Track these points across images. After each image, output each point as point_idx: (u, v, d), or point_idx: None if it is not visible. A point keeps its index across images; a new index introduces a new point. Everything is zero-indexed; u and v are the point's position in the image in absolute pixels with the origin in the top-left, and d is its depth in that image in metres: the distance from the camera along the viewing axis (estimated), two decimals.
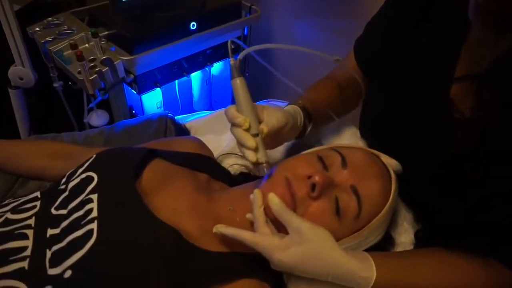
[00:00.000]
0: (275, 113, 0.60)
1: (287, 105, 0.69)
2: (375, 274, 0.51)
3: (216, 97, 1.43)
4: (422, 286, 0.55)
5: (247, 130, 0.56)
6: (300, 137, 0.68)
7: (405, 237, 0.70)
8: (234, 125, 0.57)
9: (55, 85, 1.12)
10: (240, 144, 0.57)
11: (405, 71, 0.67)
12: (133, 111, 1.21)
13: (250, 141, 0.56)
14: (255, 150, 0.56)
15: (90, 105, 1.09)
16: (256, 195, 0.55)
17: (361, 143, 0.87)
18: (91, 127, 1.22)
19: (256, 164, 0.56)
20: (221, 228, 0.54)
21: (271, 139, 0.61)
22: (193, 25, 1.09)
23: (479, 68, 0.56)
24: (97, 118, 1.19)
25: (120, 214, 0.52)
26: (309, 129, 0.68)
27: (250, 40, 1.37)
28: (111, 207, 0.53)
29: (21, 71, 1.12)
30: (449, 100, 0.59)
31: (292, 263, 0.51)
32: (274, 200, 0.53)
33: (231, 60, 0.58)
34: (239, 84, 0.57)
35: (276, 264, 0.52)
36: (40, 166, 0.75)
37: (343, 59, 0.81)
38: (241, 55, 0.58)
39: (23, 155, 0.76)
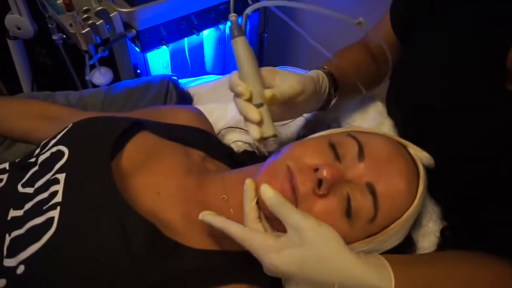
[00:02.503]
0: (289, 77, 0.50)
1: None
2: (393, 286, 0.42)
3: (231, 60, 1.30)
4: None
5: (250, 100, 0.46)
6: (323, 109, 0.58)
7: (428, 241, 0.60)
8: (235, 94, 0.48)
9: (54, 37, 1.02)
10: (243, 116, 0.48)
11: (449, 31, 0.54)
12: (138, 71, 1.12)
13: (253, 113, 0.45)
14: (260, 123, 0.46)
15: (90, 62, 1.00)
16: (248, 186, 0.45)
17: (387, 123, 0.75)
18: (94, 86, 1.14)
19: (262, 139, 0.47)
20: (207, 217, 0.45)
21: (286, 108, 0.51)
22: None
23: None
24: (100, 77, 1.10)
25: (87, 201, 0.44)
26: (334, 100, 0.57)
27: None
28: (78, 192, 0.45)
29: (18, 20, 1.03)
30: (504, 67, 0.47)
31: (288, 269, 0.41)
32: (267, 193, 0.43)
33: (232, 16, 0.47)
34: (240, 44, 0.47)
35: (268, 268, 0.43)
36: (25, 127, 0.69)
37: (379, 22, 0.68)
38: (248, 10, 0.47)
39: (7, 114, 0.70)
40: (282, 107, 0.51)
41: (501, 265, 0.46)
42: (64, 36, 0.91)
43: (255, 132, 0.46)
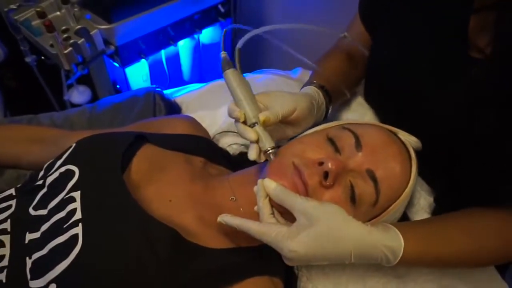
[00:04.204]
0: (281, 98, 0.53)
1: (304, 85, 0.63)
2: (403, 243, 0.46)
3: (207, 67, 1.32)
4: (456, 255, 0.50)
5: (245, 122, 0.51)
6: (323, 119, 0.63)
7: (420, 216, 0.65)
8: (235, 120, 0.52)
9: (27, 59, 1.00)
10: (243, 138, 0.52)
11: (416, 10, 0.60)
12: (117, 86, 1.11)
13: (249, 133, 0.49)
14: (258, 140, 0.50)
15: (69, 82, 0.99)
16: (259, 186, 0.48)
17: (369, 114, 0.80)
18: (72, 105, 1.12)
19: (263, 153, 0.50)
20: (226, 218, 0.48)
21: (287, 126, 0.55)
22: None
23: None
24: (78, 95, 1.09)
25: (108, 215, 0.46)
26: (330, 109, 0.62)
27: (239, 3, 1.25)
28: (96, 207, 0.46)
29: None
30: (466, 37, 0.53)
31: (307, 250, 0.44)
32: (271, 184, 0.47)
33: (222, 54, 0.53)
34: (230, 76, 0.52)
35: (289, 256, 0.44)
36: (15, 152, 0.68)
37: (349, 23, 0.74)
38: (240, 43, 0.53)
39: None
40: (283, 126, 0.55)
41: (494, 210, 0.52)
42: (43, 57, 0.90)
43: (253, 154, 0.50)
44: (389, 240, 0.46)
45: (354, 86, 0.75)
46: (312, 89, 0.60)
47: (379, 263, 0.47)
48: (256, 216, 0.50)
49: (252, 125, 0.50)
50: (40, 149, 0.66)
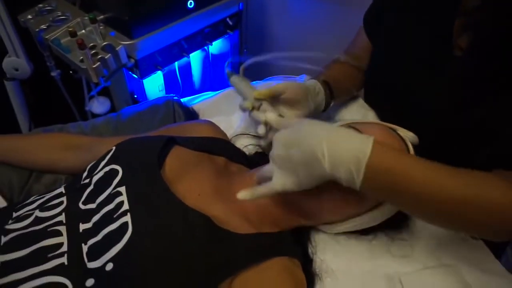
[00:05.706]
0: (274, 83, 0.68)
1: (305, 79, 0.75)
2: (372, 137, 0.45)
3: (216, 76, 1.41)
4: (431, 184, 0.46)
5: (253, 109, 0.67)
6: (325, 111, 0.76)
7: None
8: (248, 113, 0.68)
9: (53, 74, 1.09)
10: (256, 120, 0.66)
11: (408, 18, 0.69)
12: (135, 96, 1.19)
13: (259, 115, 0.65)
14: (266, 123, 0.65)
15: (92, 93, 1.07)
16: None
17: (371, 114, 0.88)
18: (93, 115, 1.20)
19: (267, 125, 0.65)
20: (243, 194, 0.54)
21: (286, 106, 0.68)
22: (190, 3, 1.05)
23: (476, 2, 0.57)
24: (99, 106, 1.17)
25: (151, 204, 0.53)
26: (332, 103, 0.74)
27: (246, 14, 1.34)
28: (141, 199, 0.54)
29: (15, 61, 1.09)
30: (451, 37, 0.61)
31: (286, 134, 0.51)
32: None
33: (227, 71, 0.75)
34: (235, 81, 0.72)
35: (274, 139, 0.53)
36: (52, 158, 0.75)
37: (356, 35, 0.84)
38: (242, 67, 0.71)
39: (33, 148, 0.76)
40: (280, 106, 0.68)
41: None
42: (71, 72, 0.98)
43: (261, 128, 0.66)
44: (359, 135, 0.47)
45: (359, 88, 0.85)
46: (310, 81, 0.72)
47: (349, 175, 0.45)
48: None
49: (256, 107, 0.67)
50: (75, 155, 0.74)
